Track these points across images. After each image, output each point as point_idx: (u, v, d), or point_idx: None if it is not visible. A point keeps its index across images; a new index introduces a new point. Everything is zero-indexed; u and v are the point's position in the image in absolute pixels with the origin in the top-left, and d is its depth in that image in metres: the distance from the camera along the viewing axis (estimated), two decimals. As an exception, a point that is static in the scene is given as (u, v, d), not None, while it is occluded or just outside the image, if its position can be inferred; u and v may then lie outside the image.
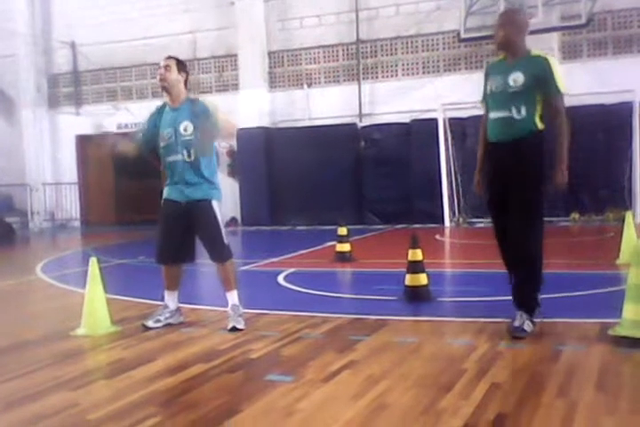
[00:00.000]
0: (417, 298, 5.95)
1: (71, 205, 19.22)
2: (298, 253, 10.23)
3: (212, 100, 5.48)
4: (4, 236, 14.86)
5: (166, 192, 5.41)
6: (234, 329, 5.16)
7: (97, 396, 3.79)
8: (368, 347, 4.55)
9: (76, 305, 5.66)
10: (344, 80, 16.44)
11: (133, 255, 10.01)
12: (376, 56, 16.13)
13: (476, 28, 14.05)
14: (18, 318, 6.28)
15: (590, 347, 4.31)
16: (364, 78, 16.19)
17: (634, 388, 3.54)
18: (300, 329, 5.14)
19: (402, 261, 6.31)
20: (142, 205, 15.61)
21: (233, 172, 17.11)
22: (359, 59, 16.16)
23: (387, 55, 16.02)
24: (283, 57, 16.95)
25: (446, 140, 14.17)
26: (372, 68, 16.18)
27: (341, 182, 15.54)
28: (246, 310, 5.89)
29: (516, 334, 4.58)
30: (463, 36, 13.80)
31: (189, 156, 5.21)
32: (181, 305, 5.60)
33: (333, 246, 9.22)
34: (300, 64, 16.80)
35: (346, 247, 9.02)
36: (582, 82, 13.92)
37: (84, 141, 19.03)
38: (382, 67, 16.09)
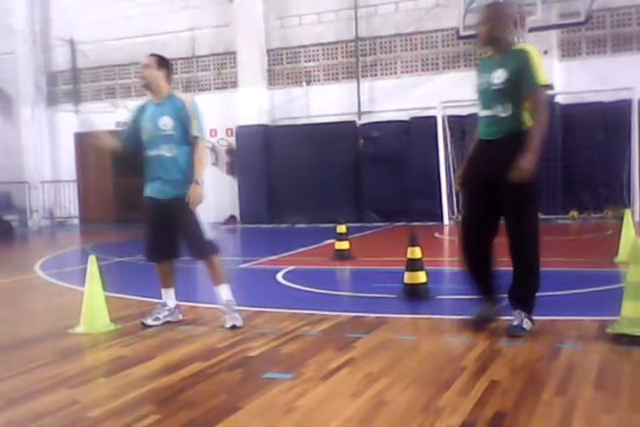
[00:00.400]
0: (416, 296, 5.95)
1: (70, 203, 19.21)
2: (297, 251, 10.23)
3: (192, 98, 5.46)
4: (3, 234, 14.87)
5: (146, 189, 5.42)
6: (234, 327, 5.16)
7: (96, 394, 3.80)
8: (367, 345, 4.56)
9: (75, 303, 5.66)
10: (343, 78, 16.42)
11: (132, 253, 9.99)
12: (375, 54, 16.11)
13: (476, 26, 13.99)
14: (17, 316, 6.28)
15: (589, 345, 4.32)
16: (363, 76, 16.18)
17: (633, 386, 3.54)
18: (299, 327, 5.15)
19: (401, 258, 6.32)
20: (141, 203, 15.58)
21: (232, 169, 17.12)
22: (358, 56, 16.15)
23: (386, 53, 16.01)
24: (282, 54, 16.93)
25: (445, 137, 14.16)
26: (371, 65, 16.16)
27: (340, 180, 15.53)
28: (245, 308, 5.90)
29: (514, 333, 4.57)
30: (462, 33, 13.78)
31: (169, 150, 5.22)
32: (180, 303, 5.61)
33: (332, 244, 9.21)
34: (299, 62, 16.79)
35: (345, 245, 9.02)
36: (581, 80, 13.96)
37: (82, 139, 19.02)
38: (381, 64, 16.07)
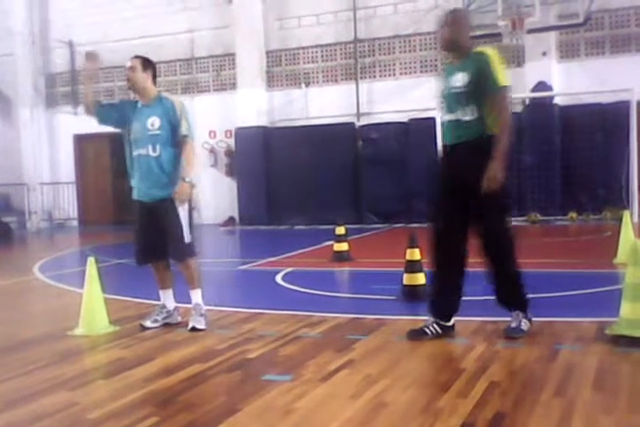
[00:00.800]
0: (415, 297, 5.95)
1: (69, 205, 19.21)
2: (296, 253, 10.23)
3: (181, 100, 5.48)
4: (2, 235, 14.85)
5: (134, 192, 5.43)
6: (193, 329, 5.20)
7: (95, 395, 3.80)
8: (366, 346, 4.56)
9: (74, 305, 5.66)
10: (342, 79, 16.43)
11: (131, 255, 9.96)
12: (374, 55, 16.12)
13: (474, 27, 13.99)
14: (16, 318, 6.28)
15: (588, 346, 4.32)
16: (361, 77, 16.19)
17: (631, 387, 3.55)
18: (298, 329, 5.15)
19: (400, 260, 6.32)
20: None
21: (231, 171, 17.12)
22: (357, 58, 16.16)
23: (384, 54, 16.02)
24: (280, 56, 16.94)
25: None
26: (369, 67, 16.17)
27: (339, 182, 15.53)
28: (244, 310, 5.91)
29: (513, 335, 4.56)
30: (461, 35, 13.78)
31: (154, 150, 5.24)
32: (179, 305, 5.60)
33: (331, 246, 9.21)
34: (298, 63, 16.79)
35: (344, 247, 9.02)
36: (580, 81, 13.99)
37: (81, 141, 19.03)
38: (380, 66, 16.08)
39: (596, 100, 13.72)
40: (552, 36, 14.31)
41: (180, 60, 17.83)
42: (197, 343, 4.85)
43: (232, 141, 16.97)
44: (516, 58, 14.77)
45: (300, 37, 16.65)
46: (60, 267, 10.03)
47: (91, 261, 5.38)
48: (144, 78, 5.35)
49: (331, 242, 9.39)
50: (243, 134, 16.47)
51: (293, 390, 3.65)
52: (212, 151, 17.23)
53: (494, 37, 13.99)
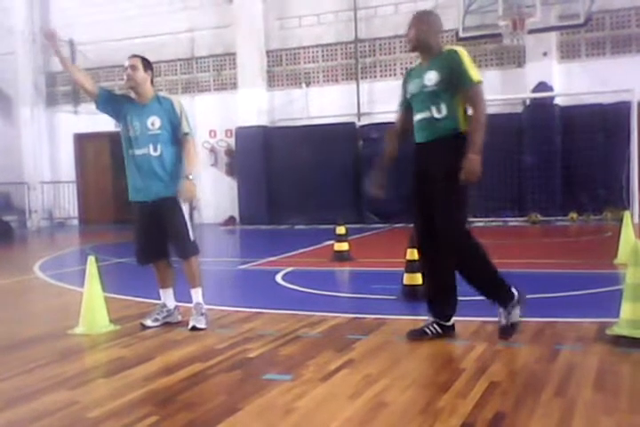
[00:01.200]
0: (415, 297, 5.94)
1: (69, 204, 19.22)
2: (296, 253, 10.23)
3: (178, 99, 5.49)
4: (2, 234, 14.85)
5: (131, 193, 5.41)
6: (194, 329, 5.20)
7: (96, 394, 3.80)
8: (366, 346, 4.55)
9: (75, 304, 5.66)
10: (342, 79, 16.43)
11: (131, 254, 9.97)
12: (374, 55, 16.13)
13: (475, 27, 14.04)
14: (16, 317, 6.28)
15: (588, 346, 4.32)
16: (362, 77, 16.19)
17: (632, 387, 3.54)
18: (298, 328, 5.15)
19: (400, 260, 6.32)
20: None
21: (231, 170, 17.12)
22: (357, 58, 16.16)
23: (385, 54, 16.02)
24: (281, 56, 16.94)
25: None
26: (370, 67, 16.18)
27: (340, 181, 15.53)
28: (245, 309, 5.91)
29: (504, 335, 4.53)
30: (461, 35, 13.80)
31: (155, 150, 5.23)
32: (179, 304, 5.60)
33: (332, 245, 9.21)
34: (299, 63, 16.80)
35: (344, 246, 9.02)
36: (580, 81, 13.99)
37: (82, 140, 19.03)
38: (381, 66, 16.09)
39: (596, 100, 13.73)
40: (553, 37, 14.31)
41: (180, 59, 17.83)
42: (197, 342, 4.85)
43: (232, 141, 16.98)
44: (516, 58, 14.78)
45: (300, 37, 16.65)
46: (60, 266, 10.03)
47: (91, 259, 5.38)
48: (145, 78, 5.34)
49: (331, 242, 9.39)
50: (243, 134, 16.47)
51: (293, 390, 3.65)
52: (213, 151, 17.23)
53: (495, 38, 14.01)
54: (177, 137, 5.31)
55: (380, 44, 16.03)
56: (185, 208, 5.30)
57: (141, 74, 5.33)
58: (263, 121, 16.59)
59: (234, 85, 17.17)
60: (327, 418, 3.23)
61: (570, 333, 4.71)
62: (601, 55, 14.28)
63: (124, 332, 5.27)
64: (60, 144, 19.30)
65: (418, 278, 5.99)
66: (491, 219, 13.94)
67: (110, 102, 5.42)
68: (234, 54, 16.97)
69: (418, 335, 4.64)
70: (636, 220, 12.41)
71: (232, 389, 3.76)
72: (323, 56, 16.59)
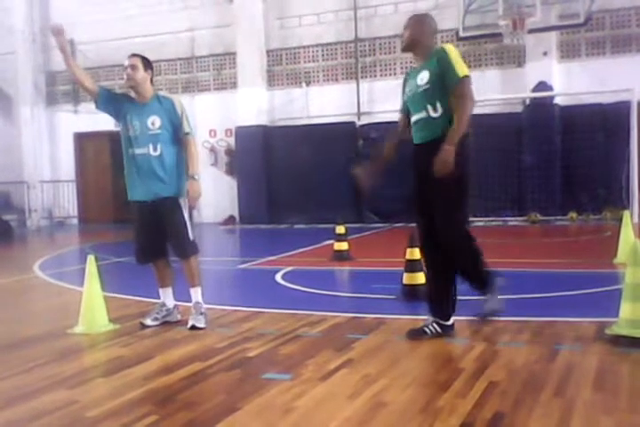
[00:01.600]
0: (415, 297, 5.94)
1: (69, 203, 19.22)
2: (296, 252, 10.23)
3: (178, 98, 5.50)
4: (2, 233, 14.86)
5: (130, 192, 5.41)
6: (193, 328, 5.20)
7: (95, 393, 3.80)
8: (366, 346, 4.56)
9: (74, 303, 5.66)
10: (342, 78, 16.43)
11: (131, 253, 9.97)
12: (374, 54, 16.13)
13: (475, 27, 14.04)
14: (16, 316, 6.28)
15: (587, 346, 4.32)
16: (362, 77, 16.19)
17: (631, 387, 3.55)
18: (298, 328, 5.15)
19: (400, 259, 6.32)
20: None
21: (231, 170, 17.12)
22: (357, 57, 16.16)
23: (385, 53, 16.02)
24: (281, 55, 16.94)
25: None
26: (370, 66, 16.17)
27: (339, 181, 15.48)
28: (244, 309, 5.91)
29: (486, 318, 4.65)
30: (462, 34, 13.80)
31: (155, 149, 5.23)
32: (178, 303, 5.61)
33: (331, 245, 9.21)
34: (299, 62, 16.79)
35: (344, 246, 9.02)
36: (580, 81, 13.99)
37: (81, 139, 19.03)
38: (381, 65, 16.09)
39: (596, 100, 13.73)
40: (553, 36, 14.31)
41: (180, 58, 17.83)
42: (197, 342, 4.85)
43: (232, 140, 16.98)
44: (516, 58, 14.78)
45: (300, 36, 16.65)
46: (60, 265, 10.03)
47: (90, 259, 5.38)
48: (145, 78, 5.34)
49: (331, 241, 9.39)
50: (243, 133, 16.47)
51: (293, 389, 3.65)
52: (213, 150, 17.23)
53: (495, 37, 14.01)
54: (177, 137, 5.31)
55: (380, 44, 16.03)
56: (185, 208, 5.30)
57: (141, 73, 5.33)
58: (263, 120, 16.59)
59: (234, 85, 17.17)
60: (326, 418, 3.23)
61: (569, 332, 4.71)
62: (601, 55, 14.28)
63: (124, 331, 5.27)
64: (59, 143, 19.30)
65: (417, 278, 6.00)
66: (490, 218, 13.94)
67: (110, 101, 5.41)
68: (234, 54, 16.97)
69: (417, 335, 4.65)
70: (636, 219, 12.41)
71: (231, 388, 3.76)
72: (323, 55, 16.59)
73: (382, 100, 15.65)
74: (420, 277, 5.99)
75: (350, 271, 8.44)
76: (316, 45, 16.57)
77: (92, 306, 5.34)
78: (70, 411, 3.48)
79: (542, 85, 14.24)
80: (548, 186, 14.02)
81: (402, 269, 6.15)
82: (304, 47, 16.68)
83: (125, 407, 3.50)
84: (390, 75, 15.91)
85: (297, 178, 15.92)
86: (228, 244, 13.86)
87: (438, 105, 4.52)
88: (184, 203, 5.30)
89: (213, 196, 16.94)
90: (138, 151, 5.27)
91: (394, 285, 6.28)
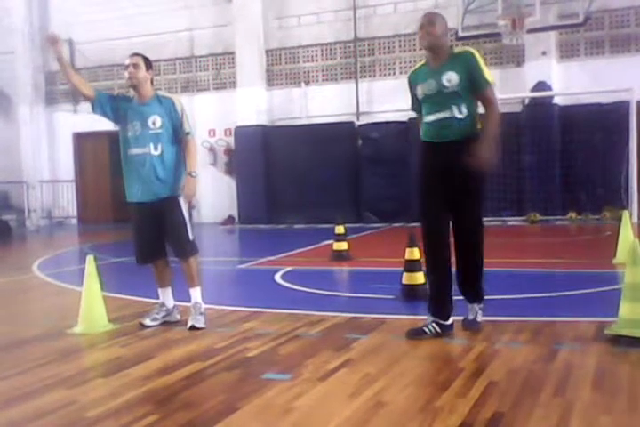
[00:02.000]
0: (414, 297, 5.95)
1: (68, 203, 19.21)
2: (295, 252, 10.23)
3: (177, 97, 5.51)
4: (1, 233, 14.85)
5: (129, 194, 5.39)
6: (193, 328, 5.19)
7: (94, 394, 3.79)
8: (365, 346, 4.56)
9: (73, 303, 5.65)
10: (342, 78, 16.43)
11: (130, 253, 9.96)
12: (374, 54, 16.12)
13: (474, 27, 14.05)
14: (15, 316, 6.28)
15: (587, 346, 4.32)
16: (361, 76, 16.19)
17: (630, 387, 3.55)
18: (297, 328, 5.15)
19: (399, 259, 6.32)
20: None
21: (230, 170, 17.12)
22: (357, 57, 16.16)
23: (384, 53, 16.02)
24: (280, 55, 16.94)
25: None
26: (369, 66, 16.18)
27: (339, 181, 15.54)
28: (244, 309, 5.91)
29: (472, 328, 4.80)
30: (461, 34, 13.80)
31: (156, 149, 5.23)
32: (178, 303, 5.60)
33: (331, 245, 9.21)
34: (298, 62, 16.79)
35: (343, 246, 9.02)
36: (579, 81, 13.99)
37: (81, 139, 19.03)
38: (380, 65, 16.09)
39: (595, 99, 13.73)
40: (552, 36, 14.31)
41: (179, 58, 17.83)
42: (196, 342, 4.85)
43: (231, 140, 16.98)
44: (515, 57, 14.78)
45: (299, 36, 16.65)
46: (59, 265, 10.03)
47: (90, 259, 5.38)
48: (146, 77, 5.33)
49: (330, 241, 9.39)
50: (242, 133, 16.47)
51: (292, 389, 3.66)
52: (212, 150, 17.22)
53: (494, 37, 14.02)
54: (177, 136, 5.31)
55: (380, 44, 16.02)
56: (184, 207, 5.30)
57: (143, 72, 5.32)
58: (262, 120, 16.59)
59: (233, 84, 17.17)
60: (326, 417, 3.23)
61: (568, 332, 4.72)
62: (600, 54, 14.28)
63: (123, 331, 5.27)
64: (59, 143, 19.30)
65: (417, 278, 6.00)
66: (490, 218, 13.93)
67: (108, 103, 5.39)
68: (233, 53, 16.97)
69: (417, 334, 4.66)
70: (635, 219, 12.42)
71: (231, 388, 3.76)
72: (322, 55, 16.59)
73: (381, 100, 15.67)
74: (420, 277, 6.00)
75: (349, 271, 8.44)
76: (316, 45, 16.57)
77: (92, 306, 5.34)
78: (70, 411, 3.48)
79: (541, 85, 14.24)
80: (547, 186, 14.03)
81: (401, 268, 6.14)
82: (303, 47, 16.68)
83: (125, 407, 3.50)
84: (389, 75, 15.91)
85: (296, 178, 15.92)
86: (227, 244, 13.86)
87: (464, 107, 4.59)
88: (184, 202, 5.30)
89: (212, 196, 16.96)
90: (138, 151, 5.25)
91: (393, 285, 6.29)
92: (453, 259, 4.79)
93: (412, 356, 4.32)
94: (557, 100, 14.31)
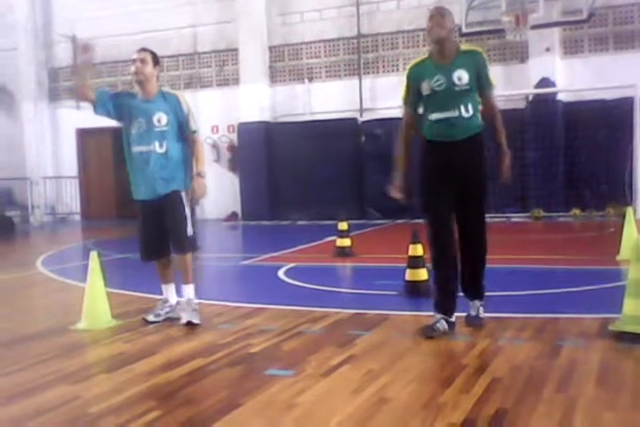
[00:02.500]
0: (417, 293, 5.95)
1: (72, 199, 19.21)
2: (298, 248, 10.22)
3: (182, 94, 5.46)
4: (5, 229, 14.86)
5: (135, 191, 5.36)
6: (189, 324, 5.16)
7: (97, 389, 3.80)
8: (368, 342, 4.56)
9: (77, 299, 5.66)
10: (345, 75, 16.41)
11: (134, 249, 9.96)
12: (377, 50, 16.10)
13: (478, 23, 14.02)
14: (18, 312, 6.29)
15: (591, 342, 4.32)
16: (364, 73, 16.16)
17: (634, 383, 3.54)
18: (300, 324, 5.15)
19: (402, 256, 6.31)
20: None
21: (233, 166, 17.11)
22: (360, 53, 16.13)
23: (388, 49, 15.99)
24: (283, 51, 16.92)
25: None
26: (372, 62, 16.15)
27: (342, 177, 15.52)
28: (247, 305, 5.92)
29: (475, 323, 4.82)
30: (464, 30, 13.77)
31: (161, 146, 5.19)
32: (181, 299, 5.60)
33: (334, 241, 9.21)
34: (301, 58, 16.77)
35: (346, 242, 9.01)
36: (583, 77, 13.95)
37: (84, 135, 19.03)
38: (383, 61, 16.06)
39: (599, 96, 13.68)
40: (556, 33, 14.27)
41: (182, 54, 17.82)
42: (199, 338, 4.85)
43: (235, 137, 16.97)
44: (519, 54, 14.74)
45: (302, 33, 16.62)
46: (62, 261, 10.04)
47: (93, 255, 5.39)
48: (152, 74, 5.29)
49: (333, 237, 9.39)
50: (245, 129, 16.46)
51: (295, 385, 3.65)
52: (215, 146, 17.21)
53: (498, 33, 13.99)
54: (182, 134, 5.29)
55: (383, 40, 15.99)
56: (187, 203, 5.28)
57: (150, 68, 5.27)
58: (265, 117, 16.57)
59: (236, 81, 17.15)
60: (329, 413, 3.23)
61: (572, 329, 4.71)
62: (604, 51, 14.24)
63: (126, 327, 5.27)
64: (62, 139, 19.30)
65: (420, 274, 6.00)
66: (493, 215, 13.90)
67: (110, 101, 5.30)
68: (236, 50, 16.95)
69: (430, 332, 4.60)
70: (639, 216, 12.39)
71: (234, 384, 3.76)
72: (325, 51, 16.57)
73: (385, 96, 15.60)
74: (423, 274, 6.00)
75: (353, 267, 8.44)
76: (319, 41, 16.54)
77: (95, 302, 5.34)
78: (73, 407, 3.48)
79: (545, 81, 14.20)
80: (551, 182, 14.00)
81: (404, 265, 6.14)
82: (306, 43, 16.66)
83: (128, 403, 3.50)
84: (393, 71, 15.87)
85: (299, 174, 15.91)
86: (230, 240, 13.86)
87: (470, 106, 4.59)
88: (186, 198, 5.28)
89: (216, 192, 16.87)
90: (142, 149, 5.22)
91: (396, 281, 6.28)
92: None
93: (416, 352, 4.32)
94: (561, 97, 14.27)
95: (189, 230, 5.28)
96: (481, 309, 4.88)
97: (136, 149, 5.25)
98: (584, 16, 13.18)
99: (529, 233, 12.01)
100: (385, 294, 6.19)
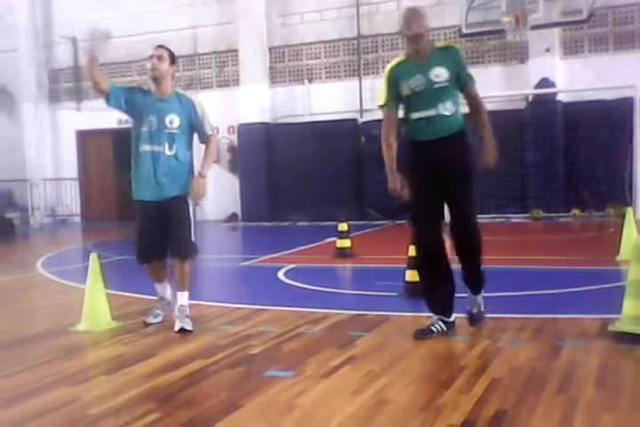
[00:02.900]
0: (417, 294, 5.92)
1: (72, 201, 19.22)
2: (298, 249, 10.23)
3: (196, 98, 5.41)
4: (5, 231, 14.86)
5: (137, 191, 5.27)
6: (182, 330, 5.08)
7: (97, 391, 3.79)
8: (368, 343, 4.55)
9: (77, 301, 5.66)
10: (345, 75, 16.42)
11: (133, 251, 9.97)
12: (377, 51, 16.11)
13: (478, 24, 14.03)
14: (18, 314, 6.29)
15: (590, 343, 4.31)
16: (364, 74, 16.17)
17: (634, 384, 3.54)
18: (301, 325, 5.15)
19: (402, 256, 6.31)
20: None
21: (233, 167, 17.12)
22: (360, 54, 16.14)
23: (388, 50, 15.99)
24: (283, 52, 16.93)
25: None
26: (372, 63, 16.16)
27: (342, 178, 15.52)
28: (247, 306, 5.91)
29: (478, 323, 4.80)
30: (464, 31, 13.78)
31: (171, 148, 5.13)
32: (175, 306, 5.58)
33: (334, 242, 9.21)
34: (301, 59, 16.78)
35: (346, 243, 9.01)
36: (583, 77, 13.96)
37: (84, 137, 19.04)
38: (383, 62, 16.02)
39: (599, 96, 13.68)
40: (555, 33, 14.28)
41: (182, 56, 17.77)
42: (199, 339, 4.85)
43: (235, 138, 16.98)
44: (519, 54, 14.75)
45: (302, 33, 16.63)
46: (62, 263, 10.04)
47: (93, 257, 5.38)
48: (169, 71, 5.22)
49: (333, 238, 9.40)
50: (245, 130, 16.47)
51: (295, 387, 3.65)
52: (215, 147, 17.20)
53: (498, 34, 13.99)
54: (192, 138, 5.26)
55: (383, 41, 16.01)
56: (191, 207, 5.24)
57: (166, 66, 5.21)
58: (265, 118, 16.58)
59: (236, 82, 17.16)
60: (329, 415, 3.23)
61: (572, 329, 4.71)
62: (604, 51, 14.24)
63: (126, 329, 5.27)
64: (62, 141, 19.32)
65: (420, 275, 5.98)
66: (493, 215, 13.92)
67: (123, 95, 5.18)
68: (236, 51, 16.96)
69: (424, 334, 4.61)
70: (639, 216, 12.38)
71: (234, 386, 3.76)
72: (325, 52, 16.58)
73: (385, 97, 15.60)
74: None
75: (353, 269, 8.44)
76: (319, 42, 16.55)
77: (95, 304, 5.34)
78: (72, 409, 3.48)
79: (545, 82, 14.20)
80: (551, 183, 14.00)
81: (404, 266, 6.14)
82: (306, 44, 16.67)
83: (127, 405, 3.50)
84: (393, 72, 15.85)
85: (299, 175, 15.91)
86: (230, 241, 13.86)
87: (449, 103, 4.56)
88: (191, 202, 5.24)
89: (215, 193, 16.91)
90: (151, 148, 5.12)
91: (396, 282, 6.28)
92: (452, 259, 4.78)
93: (415, 353, 4.31)
94: (561, 97, 14.28)
95: (192, 236, 5.24)
96: (481, 303, 4.83)
97: (145, 147, 5.14)
98: (584, 16, 13.19)
99: (529, 234, 12.01)
100: (385, 295, 6.19)
